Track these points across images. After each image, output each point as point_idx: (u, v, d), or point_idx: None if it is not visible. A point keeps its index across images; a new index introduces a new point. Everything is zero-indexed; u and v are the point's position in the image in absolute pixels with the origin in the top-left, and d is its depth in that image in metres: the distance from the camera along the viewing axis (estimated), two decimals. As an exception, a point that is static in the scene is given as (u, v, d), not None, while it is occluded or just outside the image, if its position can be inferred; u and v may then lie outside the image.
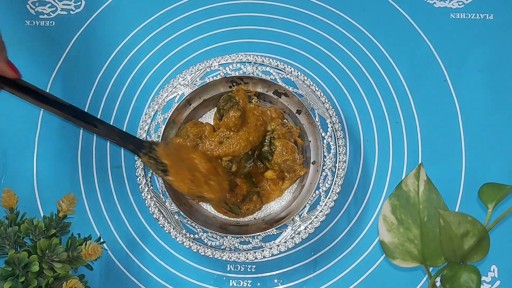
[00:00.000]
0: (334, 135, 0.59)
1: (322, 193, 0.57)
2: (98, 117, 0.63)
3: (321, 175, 0.57)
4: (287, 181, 0.59)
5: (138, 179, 0.58)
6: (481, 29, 0.65)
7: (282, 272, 0.59)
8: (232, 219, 0.59)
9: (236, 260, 0.55)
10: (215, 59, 0.61)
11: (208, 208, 0.60)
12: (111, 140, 0.54)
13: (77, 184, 0.61)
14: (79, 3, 0.66)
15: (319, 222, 0.56)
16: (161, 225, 0.56)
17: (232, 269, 0.59)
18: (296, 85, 0.60)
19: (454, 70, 0.64)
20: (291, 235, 0.56)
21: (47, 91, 0.64)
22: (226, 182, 0.56)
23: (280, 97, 0.60)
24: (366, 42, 0.65)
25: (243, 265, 0.59)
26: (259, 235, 0.56)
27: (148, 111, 0.60)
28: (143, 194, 0.57)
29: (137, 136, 0.58)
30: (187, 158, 0.55)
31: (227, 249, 0.56)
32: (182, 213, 0.56)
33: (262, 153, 0.57)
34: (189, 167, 0.54)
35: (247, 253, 0.55)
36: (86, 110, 0.63)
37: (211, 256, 0.56)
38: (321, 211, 0.56)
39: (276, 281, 0.59)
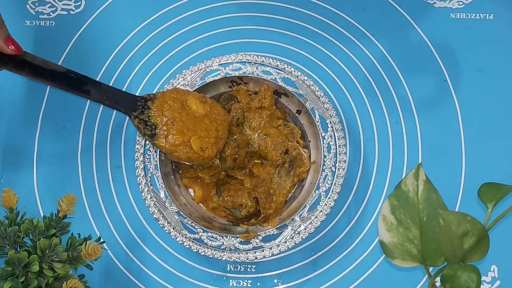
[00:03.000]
0: (334, 135, 0.59)
1: (322, 193, 0.57)
2: (98, 116, 0.63)
3: (321, 175, 0.57)
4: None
5: (138, 179, 0.58)
6: (481, 29, 0.65)
7: (282, 272, 0.59)
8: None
9: (236, 260, 0.55)
10: (215, 59, 0.61)
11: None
12: (104, 105, 0.54)
13: (77, 184, 0.61)
14: (79, 3, 0.66)
15: (319, 222, 0.56)
16: (161, 225, 0.56)
17: (232, 269, 0.59)
18: (296, 85, 0.60)
19: (454, 70, 0.64)
20: (291, 235, 0.56)
21: (47, 92, 0.64)
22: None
23: (280, 97, 0.60)
24: (366, 42, 0.65)
25: (243, 265, 0.59)
26: (259, 235, 0.56)
27: (148, 111, 0.60)
28: (143, 194, 0.57)
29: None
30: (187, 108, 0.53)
31: (227, 249, 0.56)
32: (182, 213, 0.56)
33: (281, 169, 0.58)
34: (193, 122, 0.53)
35: (247, 253, 0.55)
36: (86, 110, 0.63)
37: (211, 256, 0.56)
38: (321, 211, 0.56)
39: (276, 281, 0.59)
